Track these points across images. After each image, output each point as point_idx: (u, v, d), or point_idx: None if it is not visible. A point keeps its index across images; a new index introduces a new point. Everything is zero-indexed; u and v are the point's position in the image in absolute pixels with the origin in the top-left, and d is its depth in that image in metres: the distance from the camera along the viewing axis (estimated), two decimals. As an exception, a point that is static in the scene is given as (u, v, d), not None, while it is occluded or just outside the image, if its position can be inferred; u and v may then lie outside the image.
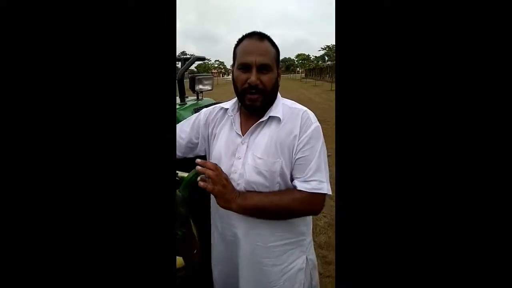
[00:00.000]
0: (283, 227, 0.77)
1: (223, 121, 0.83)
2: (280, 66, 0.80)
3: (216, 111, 0.86)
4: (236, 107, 0.82)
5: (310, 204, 0.72)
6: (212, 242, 0.87)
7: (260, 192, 0.73)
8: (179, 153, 0.87)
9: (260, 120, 0.75)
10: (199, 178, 0.70)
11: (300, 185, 0.71)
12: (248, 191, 0.73)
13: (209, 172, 0.69)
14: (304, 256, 0.81)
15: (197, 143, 0.86)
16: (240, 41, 0.75)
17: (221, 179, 0.70)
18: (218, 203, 0.71)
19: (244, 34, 0.76)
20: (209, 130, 0.84)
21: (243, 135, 0.77)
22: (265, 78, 0.72)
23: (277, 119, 0.75)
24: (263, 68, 0.71)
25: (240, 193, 0.72)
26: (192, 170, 0.72)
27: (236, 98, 0.82)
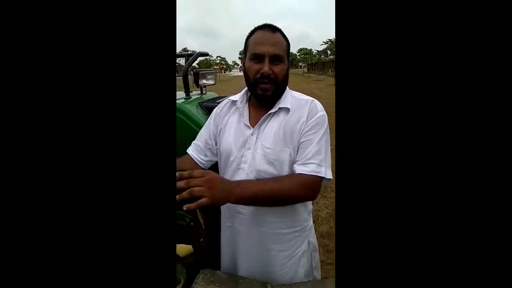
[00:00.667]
0: (289, 214, 0.79)
1: (230, 112, 0.85)
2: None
3: (223, 105, 0.88)
4: (245, 98, 0.83)
5: (308, 188, 0.71)
6: (221, 226, 0.90)
7: (258, 180, 0.73)
8: (204, 157, 0.87)
9: (270, 112, 0.77)
10: (184, 207, 0.59)
11: (298, 168, 0.72)
12: (246, 180, 0.74)
13: (184, 194, 0.58)
14: (307, 240, 0.84)
15: (212, 144, 0.87)
16: (252, 32, 0.77)
17: (203, 183, 0.60)
18: (216, 205, 0.64)
19: (256, 26, 0.77)
20: (217, 125, 0.86)
21: (252, 127, 0.78)
22: (277, 68, 0.73)
23: (286, 109, 0.76)
24: (275, 59, 0.73)
25: (236, 184, 0.68)
26: None
27: (244, 90, 0.83)
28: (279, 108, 0.76)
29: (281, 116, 0.76)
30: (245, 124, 0.80)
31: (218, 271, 0.77)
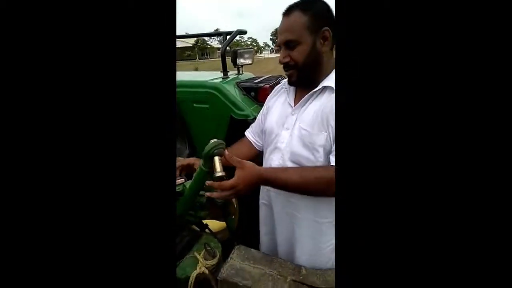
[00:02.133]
0: (323, 203, 0.75)
1: (280, 93, 0.85)
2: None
3: (276, 87, 0.89)
4: None
5: None
6: (259, 203, 0.91)
7: (285, 168, 0.72)
8: (259, 140, 0.90)
9: (313, 91, 0.73)
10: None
11: (333, 160, 0.67)
12: (267, 170, 0.71)
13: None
14: None
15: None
16: None
17: (232, 196, 0.66)
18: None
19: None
20: (267, 106, 0.87)
21: (294, 106, 0.77)
22: (294, 53, 0.71)
23: (331, 89, 0.71)
24: (289, 45, 0.71)
25: (263, 175, 0.68)
26: (210, 143, 0.69)
27: None
28: (323, 87, 0.72)
29: (325, 96, 0.72)
30: (288, 103, 0.79)
31: (252, 249, 0.78)
